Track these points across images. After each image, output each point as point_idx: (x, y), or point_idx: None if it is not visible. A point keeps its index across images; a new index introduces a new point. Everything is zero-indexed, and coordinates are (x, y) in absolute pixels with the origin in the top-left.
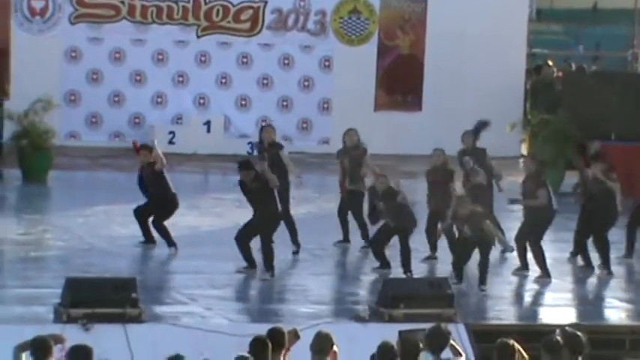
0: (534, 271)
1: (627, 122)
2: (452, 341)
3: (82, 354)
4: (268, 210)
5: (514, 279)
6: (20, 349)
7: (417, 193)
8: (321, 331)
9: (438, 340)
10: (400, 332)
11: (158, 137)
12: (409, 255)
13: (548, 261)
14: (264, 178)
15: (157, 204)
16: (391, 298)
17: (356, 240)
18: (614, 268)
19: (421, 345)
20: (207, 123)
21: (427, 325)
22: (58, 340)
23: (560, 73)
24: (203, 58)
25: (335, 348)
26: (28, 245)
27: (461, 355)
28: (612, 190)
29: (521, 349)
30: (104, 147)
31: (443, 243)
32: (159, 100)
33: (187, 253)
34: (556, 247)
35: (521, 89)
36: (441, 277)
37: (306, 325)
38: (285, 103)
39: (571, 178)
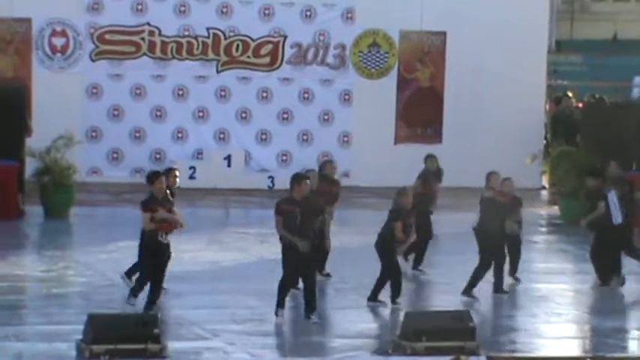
0: (558, 302)
1: None
2: None
3: None
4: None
5: (536, 311)
6: None
7: (439, 225)
8: None
9: None
10: None
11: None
12: None
13: (570, 293)
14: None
15: None
16: (413, 332)
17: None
18: (637, 299)
19: None
20: (228, 158)
21: (445, 358)
22: None
23: (580, 104)
24: (223, 93)
25: None
26: (50, 282)
27: None
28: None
29: None
30: (125, 183)
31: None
32: (179, 135)
33: (209, 287)
34: (577, 278)
35: (542, 120)
36: (462, 310)
37: None
38: (305, 137)
39: None
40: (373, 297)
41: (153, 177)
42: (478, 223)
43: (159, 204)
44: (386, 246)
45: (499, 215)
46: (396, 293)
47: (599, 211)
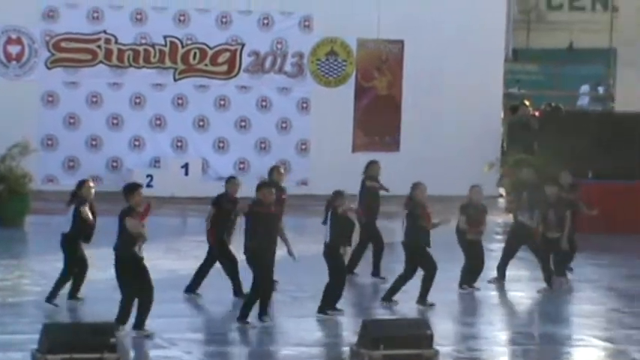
0: (514, 309)
1: (603, 160)
2: None
3: None
4: None
5: (493, 318)
6: None
7: (395, 233)
8: None
9: None
10: None
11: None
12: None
13: (527, 300)
14: None
15: None
16: (371, 340)
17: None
18: (593, 307)
19: None
20: (185, 166)
21: None
22: None
23: (537, 113)
24: (180, 101)
25: None
26: (4, 291)
27: None
28: None
29: None
30: None
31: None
32: (136, 143)
33: (167, 296)
34: (533, 286)
35: (499, 129)
36: (420, 318)
37: None
38: (263, 145)
39: None
40: (330, 307)
41: (132, 189)
42: (405, 235)
43: (137, 216)
44: (334, 253)
45: (422, 226)
46: (336, 299)
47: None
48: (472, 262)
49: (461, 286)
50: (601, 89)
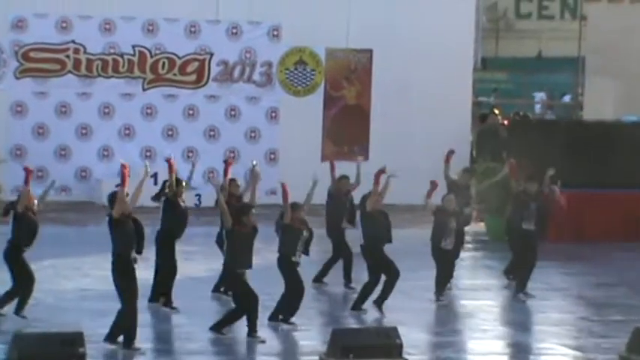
0: (483, 319)
1: (573, 169)
2: None
3: None
4: None
5: (462, 327)
6: None
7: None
8: None
9: None
10: None
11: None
12: None
13: (495, 309)
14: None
15: None
16: (340, 349)
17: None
18: (562, 315)
19: None
20: (154, 175)
21: None
22: None
23: (506, 121)
24: (149, 111)
25: None
26: None
27: None
28: None
29: None
30: (51, 201)
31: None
32: (105, 153)
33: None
34: (502, 294)
35: (468, 137)
36: (389, 327)
37: None
38: (232, 155)
39: None
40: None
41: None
42: (365, 240)
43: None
44: (287, 264)
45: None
46: (293, 312)
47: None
48: (444, 271)
49: (438, 298)
50: (568, 98)
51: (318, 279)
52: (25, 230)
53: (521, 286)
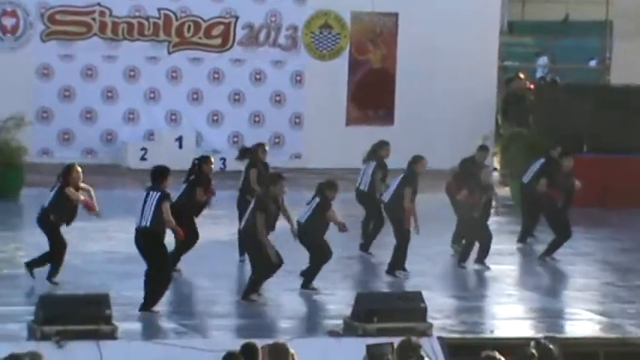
0: (508, 283)
1: (599, 134)
2: (422, 354)
3: None
4: None
5: (487, 292)
6: None
7: None
8: (277, 343)
9: (408, 354)
10: (367, 346)
11: (130, 154)
12: None
13: (520, 274)
14: None
15: None
16: (365, 313)
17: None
18: (587, 280)
19: (390, 358)
20: (179, 139)
21: (396, 339)
22: (35, 357)
23: (532, 86)
24: (174, 74)
25: (293, 358)
26: (0, 263)
27: None
28: None
29: None
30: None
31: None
32: (131, 116)
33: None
34: (527, 259)
35: (493, 102)
36: (414, 291)
37: (280, 341)
38: (256, 119)
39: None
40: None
41: (166, 173)
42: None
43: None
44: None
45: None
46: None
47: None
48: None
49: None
50: (594, 62)
51: (365, 248)
52: (63, 210)
53: (550, 250)
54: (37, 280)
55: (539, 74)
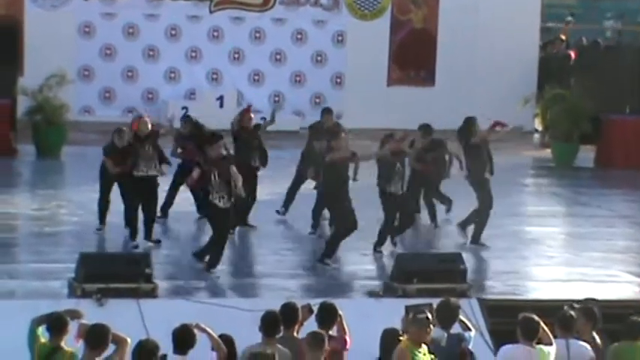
0: (549, 245)
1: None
2: (461, 316)
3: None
4: None
5: (527, 254)
6: (37, 323)
7: None
8: (325, 302)
9: (447, 315)
10: (406, 307)
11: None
12: None
13: (561, 236)
14: None
15: None
16: (405, 274)
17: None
18: (628, 243)
19: (431, 319)
20: (220, 98)
21: (435, 300)
22: (75, 315)
23: (574, 48)
24: (216, 34)
25: (341, 318)
26: (42, 220)
27: (470, 330)
28: None
29: (543, 325)
30: (118, 122)
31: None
32: (172, 75)
33: (201, 226)
34: (568, 221)
35: (535, 63)
36: (454, 253)
37: (320, 301)
38: (298, 78)
39: (584, 152)
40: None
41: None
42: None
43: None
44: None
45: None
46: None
47: None
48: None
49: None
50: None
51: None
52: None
53: None
54: (78, 237)
55: (608, 35)
